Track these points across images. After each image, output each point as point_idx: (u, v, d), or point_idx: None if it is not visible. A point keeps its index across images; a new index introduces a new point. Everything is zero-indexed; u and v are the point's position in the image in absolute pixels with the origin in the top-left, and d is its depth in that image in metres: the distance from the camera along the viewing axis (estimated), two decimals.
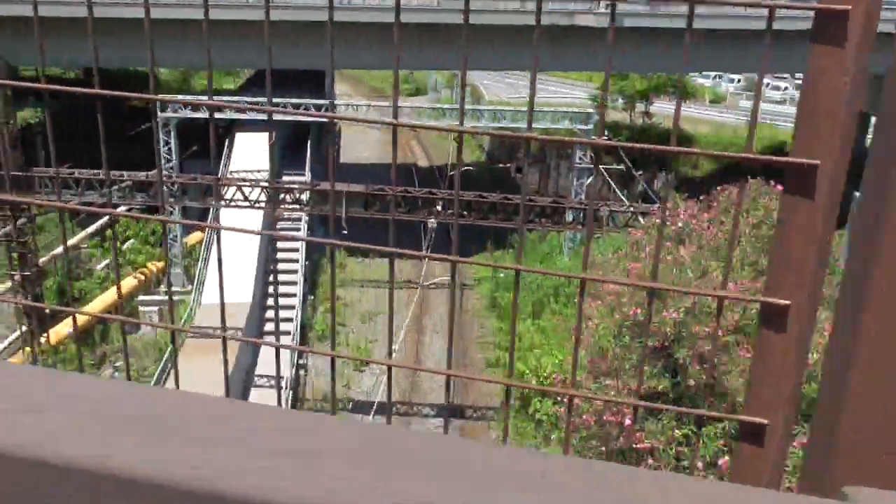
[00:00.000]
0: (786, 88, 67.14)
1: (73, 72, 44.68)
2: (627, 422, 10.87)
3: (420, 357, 26.53)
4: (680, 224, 15.61)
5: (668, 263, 11.95)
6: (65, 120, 36.52)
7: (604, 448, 11.83)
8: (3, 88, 23.92)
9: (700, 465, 10.24)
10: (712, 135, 52.34)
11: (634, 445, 11.06)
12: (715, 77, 66.53)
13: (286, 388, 22.36)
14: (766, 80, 68.37)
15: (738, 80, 71.18)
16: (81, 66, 40.63)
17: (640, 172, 40.85)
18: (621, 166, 32.35)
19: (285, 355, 24.08)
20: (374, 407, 23.60)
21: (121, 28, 30.34)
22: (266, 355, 24.46)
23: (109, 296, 27.77)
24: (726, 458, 10.25)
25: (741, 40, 31.86)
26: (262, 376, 23.49)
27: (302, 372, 25.04)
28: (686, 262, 12.14)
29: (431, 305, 29.33)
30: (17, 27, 29.31)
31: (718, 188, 17.26)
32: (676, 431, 10.86)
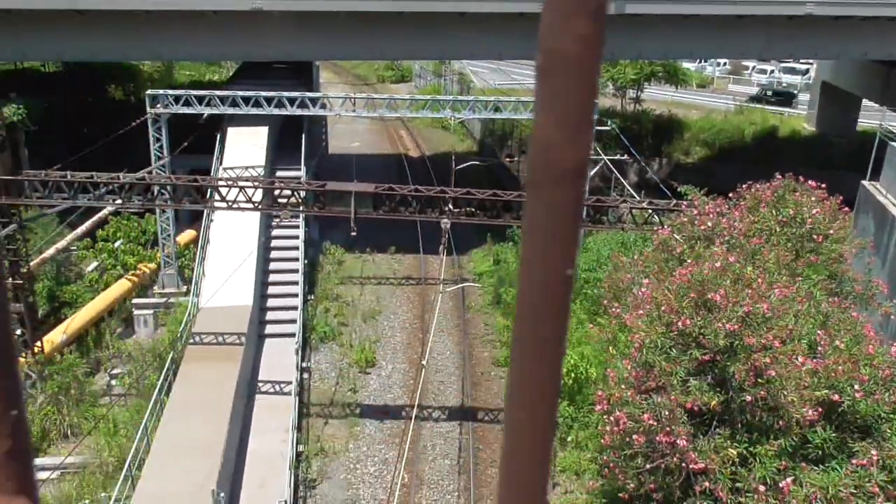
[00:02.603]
0: (772, 72, 66.73)
1: (53, 65, 43.18)
2: (681, 442, 10.29)
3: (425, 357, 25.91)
4: (710, 224, 15.07)
5: (717, 270, 11.35)
6: (47, 117, 35.26)
7: (648, 466, 11.27)
8: None
9: (762, 487, 9.70)
10: (704, 119, 52.05)
11: (686, 465, 10.51)
12: (700, 61, 66.10)
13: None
14: (751, 64, 67.90)
15: (724, 64, 70.90)
16: (62, 60, 39.22)
17: (632, 161, 40.28)
18: (622, 156, 31.73)
19: (290, 358, 23.32)
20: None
21: (102, 20, 29.19)
22: (268, 360, 23.71)
23: (101, 299, 26.84)
24: (788, 480, 9.72)
25: (737, 25, 31.36)
26: (265, 382, 22.76)
27: (305, 376, 24.30)
28: (731, 265, 11.55)
29: (434, 302, 28.70)
30: None
31: (744, 185, 16.69)
32: (731, 450, 10.30)
